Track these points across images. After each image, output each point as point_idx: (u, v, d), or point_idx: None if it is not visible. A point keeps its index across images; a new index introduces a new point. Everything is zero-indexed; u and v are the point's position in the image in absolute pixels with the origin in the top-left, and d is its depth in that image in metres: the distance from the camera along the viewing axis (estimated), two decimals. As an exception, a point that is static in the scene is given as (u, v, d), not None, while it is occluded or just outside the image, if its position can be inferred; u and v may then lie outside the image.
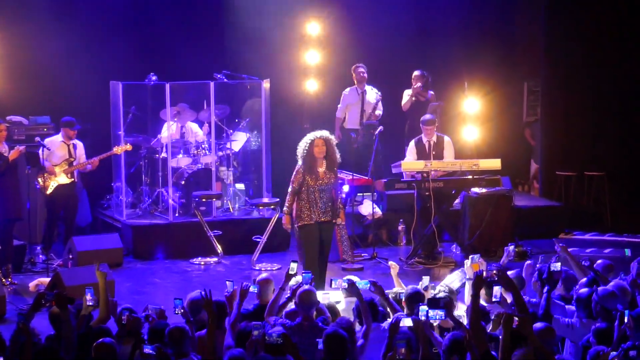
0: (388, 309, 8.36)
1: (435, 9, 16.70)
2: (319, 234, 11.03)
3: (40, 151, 12.85)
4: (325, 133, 11.03)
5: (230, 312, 8.12)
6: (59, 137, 13.27)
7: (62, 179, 13.16)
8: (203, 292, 7.60)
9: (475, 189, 13.78)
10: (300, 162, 11.01)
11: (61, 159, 13.14)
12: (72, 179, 13.29)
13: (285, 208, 11.07)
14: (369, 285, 8.24)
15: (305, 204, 10.97)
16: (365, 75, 15.06)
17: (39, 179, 12.95)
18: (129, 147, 13.73)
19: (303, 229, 11.00)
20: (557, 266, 8.38)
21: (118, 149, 13.65)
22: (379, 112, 15.17)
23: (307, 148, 10.94)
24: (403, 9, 16.50)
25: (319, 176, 11.00)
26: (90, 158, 13.35)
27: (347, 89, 15.16)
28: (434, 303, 7.39)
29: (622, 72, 15.81)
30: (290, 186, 11.03)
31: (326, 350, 7.17)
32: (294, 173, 11.04)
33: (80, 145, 13.39)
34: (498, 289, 7.70)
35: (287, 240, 14.08)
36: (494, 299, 7.82)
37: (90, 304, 7.92)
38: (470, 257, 8.50)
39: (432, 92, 15.25)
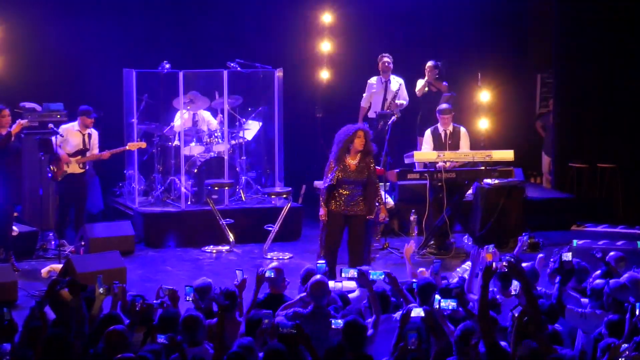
0: (401, 299, 8.35)
1: (449, 0, 16.76)
2: (343, 226, 11.07)
3: (53, 138, 12.87)
4: (368, 130, 11.20)
5: (239, 301, 8.14)
6: (75, 126, 13.24)
7: (74, 168, 13.15)
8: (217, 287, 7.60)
9: (488, 180, 13.72)
10: (333, 152, 11.08)
11: (75, 147, 13.13)
12: (84, 169, 13.28)
13: (322, 202, 11.14)
14: (383, 276, 8.21)
15: (333, 192, 11.08)
16: (391, 65, 15.11)
17: (51, 166, 12.95)
18: (143, 144, 13.77)
19: (327, 216, 11.11)
20: (568, 256, 8.36)
21: (132, 146, 13.65)
22: (402, 101, 15.18)
23: (347, 138, 11.00)
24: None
25: (348, 168, 11.05)
26: (102, 147, 13.36)
27: (373, 78, 15.21)
28: (446, 293, 7.35)
29: (635, 63, 15.73)
30: (325, 180, 11.13)
31: (345, 339, 7.13)
32: (327, 166, 11.14)
33: (95, 134, 13.37)
34: (517, 283, 7.66)
35: (299, 230, 14.12)
36: (513, 292, 7.76)
37: (101, 291, 7.89)
38: (484, 247, 8.46)
39: (445, 83, 15.25)
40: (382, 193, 13.61)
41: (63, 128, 13.16)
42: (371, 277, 8.26)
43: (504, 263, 7.71)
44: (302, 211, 14.38)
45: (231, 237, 13.67)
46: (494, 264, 7.52)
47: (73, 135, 13.19)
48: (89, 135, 13.27)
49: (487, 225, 13.66)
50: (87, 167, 13.39)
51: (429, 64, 15.19)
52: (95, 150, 13.34)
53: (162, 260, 13.14)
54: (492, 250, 8.35)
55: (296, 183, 15.07)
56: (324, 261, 8.69)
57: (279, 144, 14.66)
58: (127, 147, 13.65)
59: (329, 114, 16.08)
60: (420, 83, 15.27)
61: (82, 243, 12.85)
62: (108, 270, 11.01)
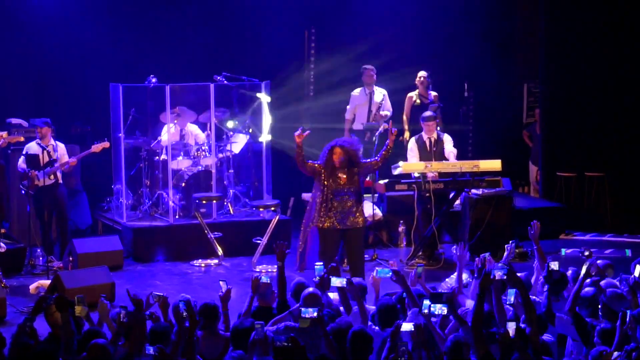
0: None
1: (436, 8, 16.80)
2: (339, 241, 11.03)
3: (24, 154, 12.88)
4: (345, 140, 11.14)
5: (223, 314, 8.06)
6: (34, 142, 13.18)
7: (46, 180, 13.05)
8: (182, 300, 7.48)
9: (476, 190, 13.71)
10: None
11: (41, 161, 12.96)
12: (55, 179, 13.17)
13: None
14: (390, 273, 8.08)
15: (323, 205, 10.96)
16: (374, 77, 15.07)
17: (22, 184, 12.89)
18: (107, 144, 13.59)
19: (320, 232, 11.05)
20: (555, 265, 8.34)
21: (96, 148, 13.45)
22: (386, 112, 15.11)
23: (326, 158, 10.99)
24: (403, 9, 16.55)
25: (339, 180, 11.00)
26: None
27: (357, 90, 15.16)
28: (436, 298, 7.32)
29: (622, 73, 15.74)
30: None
31: (351, 349, 7.10)
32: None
33: (61, 146, 13.28)
34: (513, 292, 7.61)
35: (288, 242, 13.85)
36: (508, 303, 7.72)
37: (81, 311, 7.73)
38: (480, 255, 8.40)
39: (434, 94, 15.16)
40: (370, 204, 13.74)
41: (27, 146, 13.11)
42: (378, 275, 8.14)
43: (499, 272, 7.63)
44: (290, 224, 14.26)
45: (220, 251, 13.62)
46: (493, 272, 7.50)
47: (33, 150, 13.05)
48: (54, 147, 13.16)
49: (475, 235, 13.62)
50: (57, 178, 13.21)
51: (422, 74, 15.05)
52: (65, 159, 13.24)
53: (151, 274, 13.06)
54: (488, 259, 8.28)
55: (284, 195, 15.00)
56: (321, 263, 8.54)
57: (267, 157, 14.64)
58: (92, 150, 13.45)
59: (317, 126, 15.81)
60: (413, 95, 15.09)
61: (71, 259, 12.75)
62: (97, 285, 10.99)
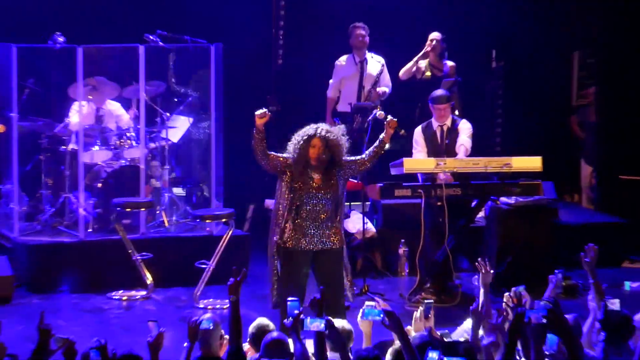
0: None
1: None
2: (309, 265, 10.95)
3: None
4: (328, 129, 10.92)
5: None
6: None
7: None
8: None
9: (506, 199, 13.70)
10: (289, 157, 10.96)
11: None
12: None
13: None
14: (381, 316, 7.93)
15: (288, 219, 10.91)
16: (367, 38, 15.18)
17: None
18: (1, 128, 13.68)
19: (281, 254, 10.96)
20: (615, 304, 8.36)
21: None
22: (384, 88, 15.21)
23: (300, 150, 10.86)
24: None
25: (311, 182, 10.90)
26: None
27: (342, 58, 15.30)
28: (451, 350, 7.34)
29: None
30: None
31: None
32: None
33: None
34: (555, 340, 7.60)
35: (246, 268, 13.56)
36: (547, 352, 7.69)
37: None
38: (512, 289, 8.40)
39: (450, 64, 15.22)
40: (359, 216, 13.83)
41: None
42: (364, 316, 8.04)
43: (537, 313, 7.62)
44: (249, 241, 14.27)
45: (149, 279, 13.57)
46: (528, 313, 7.53)
47: None
48: None
49: (505, 260, 13.63)
50: None
51: (435, 36, 15.14)
52: None
53: (52, 310, 12.72)
54: (522, 294, 8.28)
55: (241, 202, 15.11)
56: (296, 298, 8.33)
57: (217, 148, 14.55)
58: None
59: (288, 106, 16.16)
60: (422, 63, 15.18)
61: None
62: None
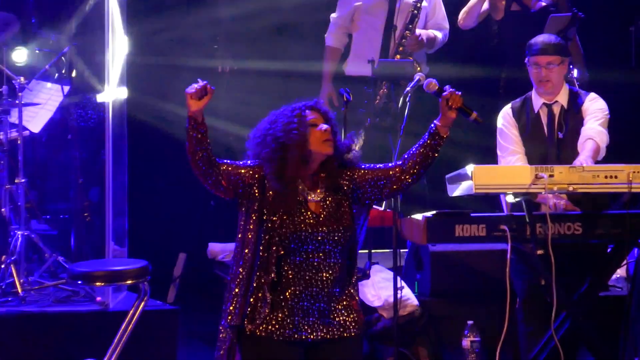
0: None
1: None
2: None
3: None
4: (329, 112, 8.49)
5: None
6: None
7: None
8: None
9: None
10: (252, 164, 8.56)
11: None
12: None
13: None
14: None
15: (260, 283, 8.21)
16: None
17: None
18: None
19: (246, 348, 8.28)
20: None
21: None
22: (435, 32, 12.50)
23: (290, 129, 8.30)
24: None
25: (308, 211, 8.18)
26: None
27: None
28: None
29: None
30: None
31: None
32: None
33: None
34: None
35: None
36: None
37: None
38: None
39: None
40: (389, 275, 11.73)
41: None
42: None
43: None
44: (176, 321, 11.21)
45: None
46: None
47: None
48: None
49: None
50: None
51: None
52: None
53: None
54: None
55: (164, 249, 13.06)
56: None
57: (115, 144, 11.48)
58: None
59: (235, 82, 14.29)
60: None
61: None
62: None
